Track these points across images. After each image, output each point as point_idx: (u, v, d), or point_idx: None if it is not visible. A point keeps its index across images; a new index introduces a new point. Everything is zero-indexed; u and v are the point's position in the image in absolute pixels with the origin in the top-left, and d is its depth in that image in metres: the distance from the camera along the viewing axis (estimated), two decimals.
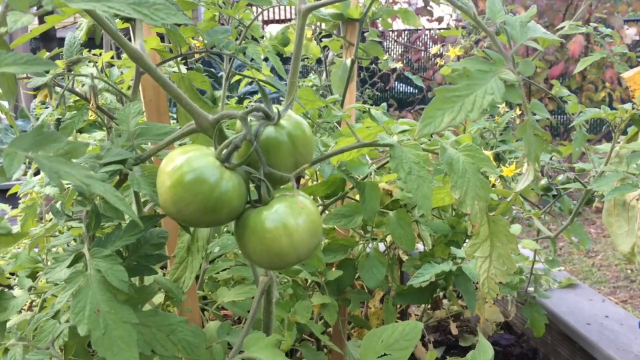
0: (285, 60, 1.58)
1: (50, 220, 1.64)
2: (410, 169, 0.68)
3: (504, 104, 1.48)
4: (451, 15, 6.53)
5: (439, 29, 6.86)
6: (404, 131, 0.75)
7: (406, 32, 8.09)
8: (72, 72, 0.76)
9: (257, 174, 0.62)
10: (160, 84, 0.65)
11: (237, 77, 1.46)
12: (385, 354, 0.82)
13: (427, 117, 0.51)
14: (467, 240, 1.52)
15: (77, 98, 0.83)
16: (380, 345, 0.83)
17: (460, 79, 0.52)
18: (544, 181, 1.22)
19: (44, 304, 1.15)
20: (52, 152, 0.47)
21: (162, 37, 0.93)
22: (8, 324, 1.10)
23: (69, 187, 0.91)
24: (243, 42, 1.21)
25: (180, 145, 0.88)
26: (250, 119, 0.63)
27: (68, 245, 0.75)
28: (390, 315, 1.52)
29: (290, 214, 0.60)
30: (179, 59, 0.90)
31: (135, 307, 0.70)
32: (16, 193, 1.57)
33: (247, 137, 0.61)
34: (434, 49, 1.55)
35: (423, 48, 6.16)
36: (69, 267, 0.65)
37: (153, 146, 0.70)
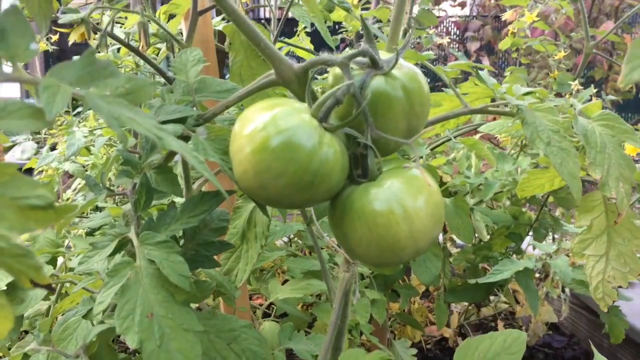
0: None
1: (68, 199, 1.49)
2: (549, 139, 0.53)
3: (576, 81, 1.32)
4: (474, 0, 6.34)
5: (460, 17, 6.69)
6: (528, 93, 0.60)
7: None
8: (110, 9, 0.61)
9: (362, 139, 0.47)
10: (235, 21, 0.50)
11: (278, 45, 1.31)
12: None
13: (635, 56, 0.35)
14: (530, 233, 1.37)
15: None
16: (475, 359, 0.68)
17: None
18: None
19: (61, 294, 1.01)
20: (109, 91, 0.32)
21: None
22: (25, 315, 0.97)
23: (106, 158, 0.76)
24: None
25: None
26: (352, 68, 0.48)
27: (102, 229, 0.60)
28: (442, 313, 1.38)
29: (409, 194, 0.45)
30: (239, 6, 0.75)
31: (190, 304, 0.55)
32: (32, 169, 1.43)
33: (350, 90, 0.46)
34: (508, 13, 1.39)
35: (444, 34, 6.01)
36: (111, 255, 0.50)
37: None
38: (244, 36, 0.80)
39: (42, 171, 1.63)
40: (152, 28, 0.66)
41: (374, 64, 0.48)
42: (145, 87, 0.34)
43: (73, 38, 0.57)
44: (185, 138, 0.51)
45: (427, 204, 0.45)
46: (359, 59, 0.48)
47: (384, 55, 0.49)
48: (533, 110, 0.55)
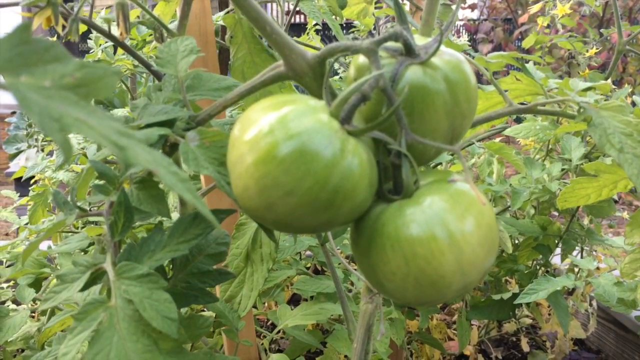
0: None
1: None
2: (621, 145, 0.43)
3: (609, 80, 1.22)
4: (485, 2, 6.27)
5: (469, 20, 6.63)
6: (589, 88, 0.50)
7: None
8: None
9: (395, 145, 0.37)
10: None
11: None
12: None
13: None
14: (559, 245, 1.26)
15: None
16: None
17: None
18: None
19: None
20: (50, 81, 0.23)
21: None
22: (9, 340, 0.88)
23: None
24: None
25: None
26: (380, 56, 0.38)
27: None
28: (464, 332, 1.27)
29: (456, 214, 0.35)
30: None
31: (180, 351, 0.46)
32: (29, 179, 1.34)
33: (380, 83, 0.36)
34: (536, 7, 1.29)
35: (455, 35, 5.94)
36: (82, 290, 0.41)
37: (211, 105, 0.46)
38: (247, 26, 0.70)
39: (37, 180, 1.55)
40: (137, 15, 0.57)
41: (409, 51, 0.38)
42: (106, 78, 0.25)
43: (37, 24, 0.48)
44: (174, 146, 0.42)
45: (479, 228, 0.35)
46: (390, 44, 0.39)
47: (419, 41, 0.39)
48: (598, 109, 0.45)
